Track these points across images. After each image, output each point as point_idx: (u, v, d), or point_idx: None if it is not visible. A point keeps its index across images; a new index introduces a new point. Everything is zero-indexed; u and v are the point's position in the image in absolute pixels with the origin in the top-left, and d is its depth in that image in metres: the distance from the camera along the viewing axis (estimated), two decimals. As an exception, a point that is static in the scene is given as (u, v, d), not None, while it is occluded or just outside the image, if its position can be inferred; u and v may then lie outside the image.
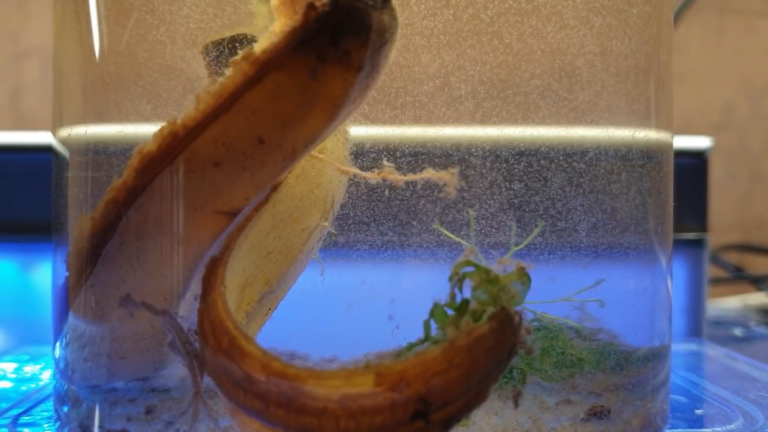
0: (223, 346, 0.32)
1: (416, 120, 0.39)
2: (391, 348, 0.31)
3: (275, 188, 0.38)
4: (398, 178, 0.38)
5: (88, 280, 0.37)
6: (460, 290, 0.32)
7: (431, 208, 0.39)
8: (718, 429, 0.43)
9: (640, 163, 0.42)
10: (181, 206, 0.35)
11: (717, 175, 1.14)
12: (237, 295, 0.37)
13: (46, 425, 0.44)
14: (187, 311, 0.37)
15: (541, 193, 0.40)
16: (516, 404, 0.38)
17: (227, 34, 0.38)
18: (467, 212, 0.39)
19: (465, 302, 0.31)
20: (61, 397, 0.42)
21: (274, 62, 0.31)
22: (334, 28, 0.31)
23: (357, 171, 0.39)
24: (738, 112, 1.21)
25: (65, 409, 0.41)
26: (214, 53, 0.38)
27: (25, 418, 0.45)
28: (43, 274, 0.72)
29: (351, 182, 0.40)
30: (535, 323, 0.40)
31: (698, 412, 0.48)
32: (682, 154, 0.72)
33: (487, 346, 0.30)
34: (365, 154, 0.39)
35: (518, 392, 0.38)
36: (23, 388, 0.53)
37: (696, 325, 0.74)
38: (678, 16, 0.94)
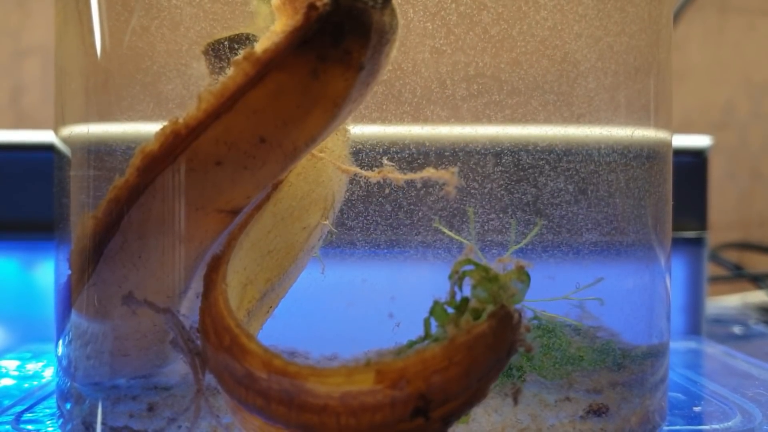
0: (224, 343, 0.32)
1: (415, 119, 0.39)
2: (391, 346, 0.31)
3: (276, 187, 0.38)
4: (399, 177, 0.38)
5: (91, 279, 0.37)
6: (460, 288, 0.32)
7: (431, 206, 0.40)
8: (716, 426, 0.44)
9: (639, 161, 0.42)
10: (183, 205, 0.35)
11: (717, 174, 1.14)
12: (238, 293, 0.37)
13: (48, 422, 0.44)
14: (189, 309, 0.37)
15: (541, 192, 0.40)
16: (515, 401, 0.38)
17: (228, 33, 0.38)
18: (467, 211, 0.39)
19: (465, 300, 0.31)
20: (64, 395, 0.42)
21: (275, 62, 0.32)
22: (335, 28, 0.31)
23: (357, 170, 0.39)
24: (738, 111, 1.21)
25: (68, 406, 0.41)
26: (216, 53, 0.38)
27: (28, 415, 0.45)
28: (44, 272, 0.72)
29: (352, 181, 0.40)
30: (535, 321, 0.40)
31: (696, 409, 0.48)
32: (681, 153, 0.72)
33: (487, 343, 0.30)
34: (366, 153, 0.40)
35: (518, 390, 0.38)
36: (26, 385, 0.54)
37: (695, 323, 0.75)
38: (678, 14, 0.94)
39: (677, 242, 0.72)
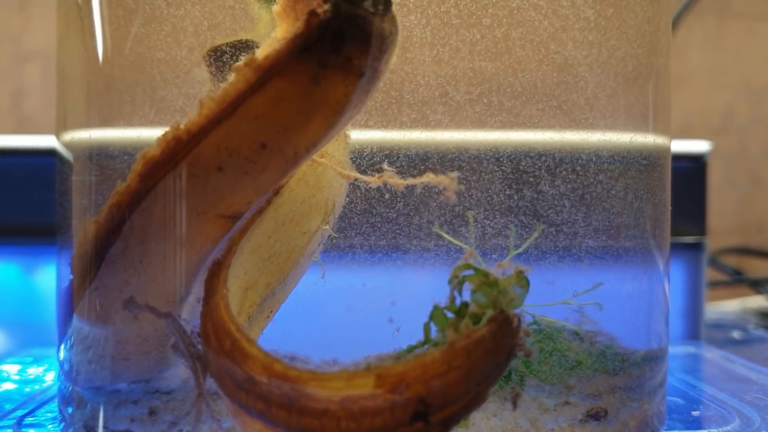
0: (225, 348, 0.33)
1: (416, 124, 0.39)
2: (391, 350, 0.32)
3: (277, 192, 0.38)
4: (398, 182, 0.39)
5: (93, 283, 0.37)
6: (460, 293, 0.32)
7: (431, 211, 0.40)
8: (715, 430, 0.44)
9: (638, 167, 0.42)
10: (184, 210, 0.35)
11: (717, 179, 1.15)
12: (239, 298, 0.37)
13: (50, 426, 0.44)
14: (190, 314, 0.37)
15: (540, 197, 0.40)
16: (515, 406, 0.38)
17: (230, 40, 0.38)
18: (467, 215, 0.40)
19: (464, 305, 0.32)
20: (65, 399, 0.42)
21: (276, 68, 0.32)
22: (336, 34, 0.31)
23: (358, 175, 0.39)
24: (738, 116, 1.21)
25: (70, 410, 0.41)
26: (217, 59, 0.38)
27: (29, 419, 0.45)
28: (46, 277, 0.72)
29: (352, 186, 0.40)
30: (534, 326, 0.40)
31: (695, 413, 0.48)
32: (681, 158, 0.73)
33: (486, 348, 0.30)
34: (366, 158, 0.40)
35: (517, 394, 0.38)
36: (27, 389, 0.54)
37: (694, 328, 0.75)
38: (678, 19, 0.94)
39: (677, 247, 0.72)
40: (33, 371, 0.60)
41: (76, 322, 0.40)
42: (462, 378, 0.30)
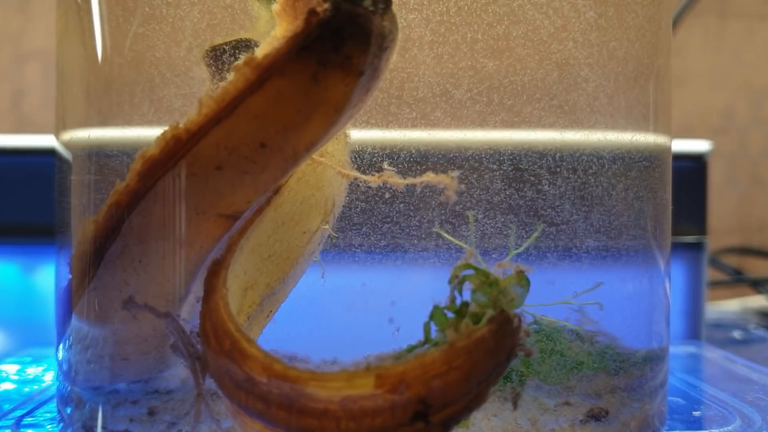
0: (225, 347, 0.33)
1: (416, 123, 0.39)
2: (391, 350, 0.32)
3: (277, 191, 0.38)
4: (399, 181, 0.38)
5: (91, 283, 0.37)
6: (460, 293, 0.32)
7: (431, 210, 0.40)
8: (716, 431, 0.44)
9: (638, 167, 0.42)
10: (184, 209, 0.35)
11: (717, 178, 1.14)
12: (238, 298, 0.37)
13: (49, 426, 0.44)
14: (190, 313, 0.37)
15: (541, 197, 0.40)
16: (515, 406, 0.38)
17: (229, 38, 0.38)
18: (467, 215, 0.40)
19: (465, 305, 0.31)
20: (64, 399, 0.42)
21: (275, 67, 0.32)
22: (336, 33, 0.31)
23: (358, 174, 0.39)
24: (738, 116, 1.21)
25: (68, 410, 0.41)
26: (216, 58, 0.38)
27: (28, 420, 0.45)
28: (45, 277, 0.72)
29: (352, 185, 0.40)
30: (534, 326, 0.40)
31: (696, 413, 0.48)
32: (681, 158, 0.72)
33: (487, 348, 0.30)
34: (366, 157, 0.40)
35: (517, 394, 0.38)
36: (26, 389, 0.54)
37: (695, 328, 0.75)
38: (678, 19, 0.94)
39: (677, 247, 0.72)
40: (32, 371, 0.60)
41: (75, 321, 0.40)
42: (462, 378, 0.30)
